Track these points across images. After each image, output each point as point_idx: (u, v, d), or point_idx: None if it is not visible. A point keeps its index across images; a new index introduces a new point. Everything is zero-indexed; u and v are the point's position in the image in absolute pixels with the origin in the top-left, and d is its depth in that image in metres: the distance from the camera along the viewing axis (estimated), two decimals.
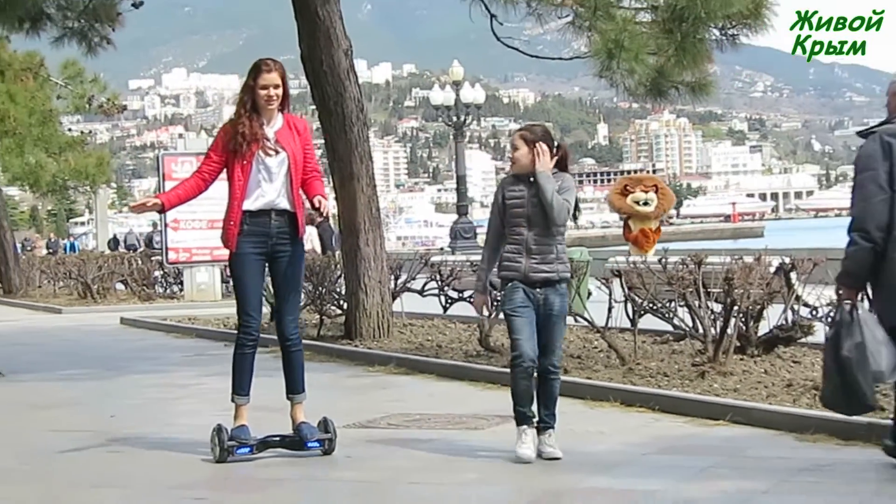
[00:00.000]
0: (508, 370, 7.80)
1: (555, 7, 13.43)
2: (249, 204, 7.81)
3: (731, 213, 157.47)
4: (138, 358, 15.82)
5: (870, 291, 7.07)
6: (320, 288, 16.29)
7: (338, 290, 16.42)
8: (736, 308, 10.85)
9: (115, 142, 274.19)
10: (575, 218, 7.83)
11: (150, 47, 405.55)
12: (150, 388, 12.75)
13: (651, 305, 12.55)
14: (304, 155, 7.99)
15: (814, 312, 10.80)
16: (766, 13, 13.06)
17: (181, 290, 28.41)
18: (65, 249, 61.10)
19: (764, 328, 11.38)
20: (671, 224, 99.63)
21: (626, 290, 12.30)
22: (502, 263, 7.78)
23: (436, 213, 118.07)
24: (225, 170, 7.91)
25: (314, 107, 15.38)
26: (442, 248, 43.60)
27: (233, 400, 7.99)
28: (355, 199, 14.68)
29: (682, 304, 12.14)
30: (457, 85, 40.79)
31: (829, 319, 10.33)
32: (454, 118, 40.36)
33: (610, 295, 12.04)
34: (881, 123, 7.03)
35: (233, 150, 7.82)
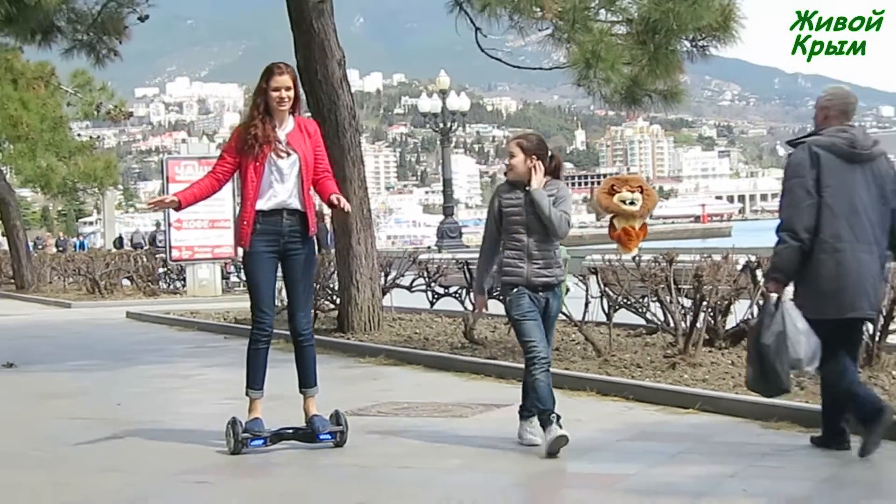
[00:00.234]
0: (525, 371, 7.53)
1: (535, 20, 13.41)
2: (262, 204, 7.68)
3: (700, 215, 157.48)
4: (143, 350, 15.80)
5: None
6: (315, 284, 16.27)
7: (331, 286, 16.42)
8: (705, 303, 10.87)
9: (122, 146, 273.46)
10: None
11: (155, 58, 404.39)
12: (155, 378, 12.73)
13: (625, 301, 12.57)
14: (314, 156, 7.87)
15: None
16: (734, 26, 13.06)
17: (184, 285, 28.36)
18: (74, 247, 60.94)
19: (731, 322, 11.39)
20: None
21: (602, 286, 12.30)
22: (504, 269, 7.61)
23: (423, 214, 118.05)
24: (238, 171, 7.79)
25: (309, 114, 15.35)
26: (429, 247, 43.58)
27: (247, 394, 7.86)
28: (348, 200, 14.63)
29: (654, 299, 12.16)
30: (443, 93, 40.79)
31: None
32: (441, 125, 40.38)
33: (587, 291, 12.03)
34: (809, 135, 7.25)
35: (246, 151, 7.69)
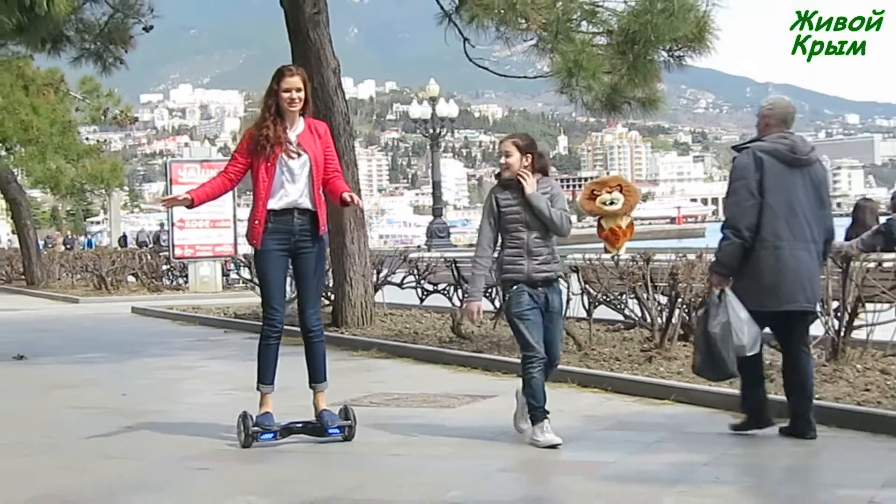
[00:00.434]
0: (521, 367, 7.40)
1: (521, 31, 13.42)
2: (274, 203, 7.49)
3: (676, 216, 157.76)
4: (147, 343, 15.78)
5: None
6: None
7: (325, 282, 16.41)
8: (680, 300, 10.88)
9: (128, 150, 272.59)
10: None
11: (160, 66, 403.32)
12: (159, 369, 12.72)
13: (605, 298, 12.59)
14: (325, 156, 7.66)
15: None
16: (708, 37, 13.08)
17: (186, 282, 28.35)
18: (83, 246, 60.86)
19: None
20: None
21: (583, 283, 12.32)
22: (504, 266, 7.42)
23: (414, 215, 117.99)
24: (250, 171, 7.62)
25: None
26: (419, 246, 43.56)
27: (258, 388, 7.66)
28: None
29: (632, 296, 12.19)
30: (433, 100, 40.81)
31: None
32: (430, 130, 40.41)
33: (568, 288, 12.03)
34: (752, 140, 7.47)
35: (257, 152, 7.50)
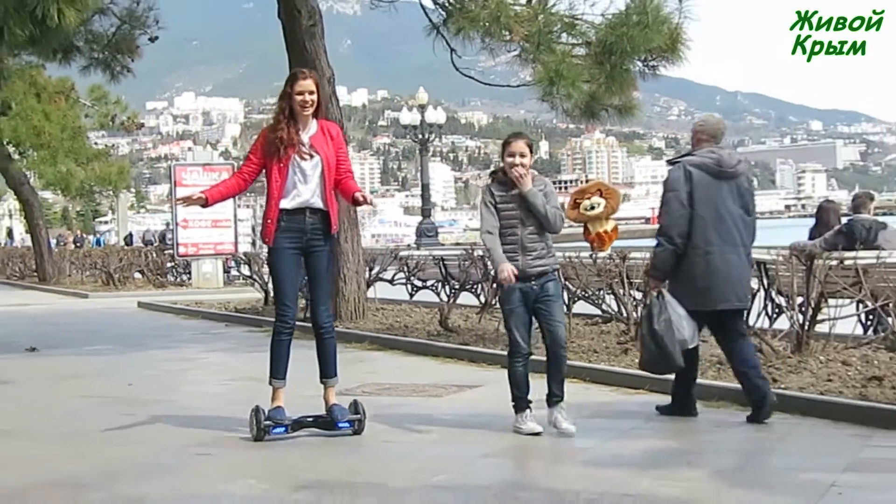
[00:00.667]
0: (507, 359, 7.43)
1: (504, 43, 13.41)
2: (286, 203, 7.27)
3: (650, 217, 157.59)
4: (153, 336, 15.75)
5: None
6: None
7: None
8: None
9: (134, 154, 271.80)
10: None
11: (164, 75, 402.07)
12: (163, 361, 12.70)
13: (583, 293, 12.61)
14: (337, 158, 7.44)
15: None
16: (681, 48, 13.09)
17: (189, 278, 28.29)
18: (92, 244, 60.73)
19: None
20: None
21: (563, 280, 12.32)
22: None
23: (404, 216, 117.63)
24: (264, 171, 7.43)
25: None
26: (409, 245, 43.49)
27: (270, 383, 7.39)
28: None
29: (609, 292, 12.20)
30: (422, 108, 40.74)
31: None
32: (420, 136, 40.33)
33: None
34: (684, 155, 7.75)
35: (271, 153, 7.29)
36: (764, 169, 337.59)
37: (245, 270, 22.63)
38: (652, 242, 7.98)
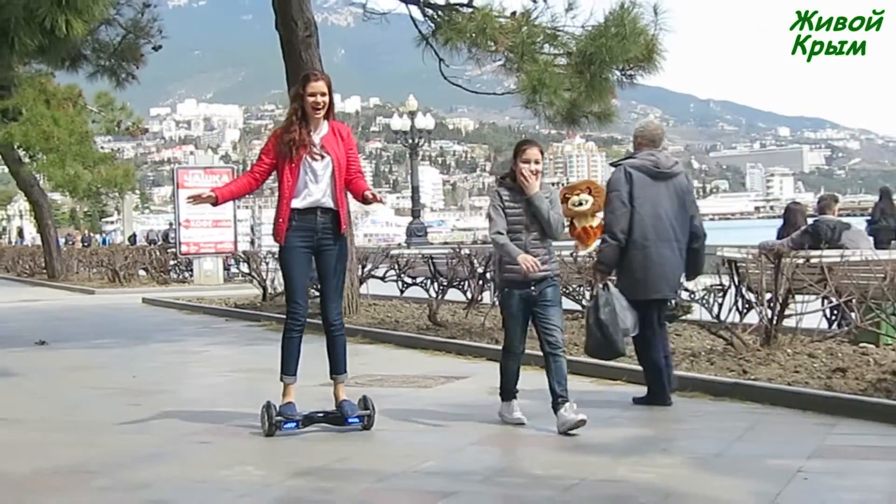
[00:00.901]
0: (501, 354, 7.39)
1: (490, 53, 13.42)
2: (298, 202, 7.06)
3: None
4: (156, 330, 15.72)
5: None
6: None
7: (314, 275, 16.37)
8: None
9: (139, 157, 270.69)
10: None
11: (167, 83, 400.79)
12: (166, 354, 12.68)
13: (564, 289, 12.59)
14: (347, 158, 7.22)
15: (692, 296, 10.85)
16: (656, 58, 13.12)
17: (191, 275, 28.29)
18: (99, 243, 60.57)
19: None
20: None
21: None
22: (504, 267, 7.11)
23: (395, 216, 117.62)
24: (275, 171, 7.18)
25: None
26: (399, 244, 43.51)
27: (281, 379, 7.20)
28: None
29: (588, 288, 12.19)
30: (412, 114, 40.75)
31: (704, 301, 10.49)
32: (410, 141, 40.35)
33: None
34: (625, 158, 8.02)
35: (283, 154, 7.06)
36: (735, 172, 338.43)
37: (244, 268, 22.60)
38: None
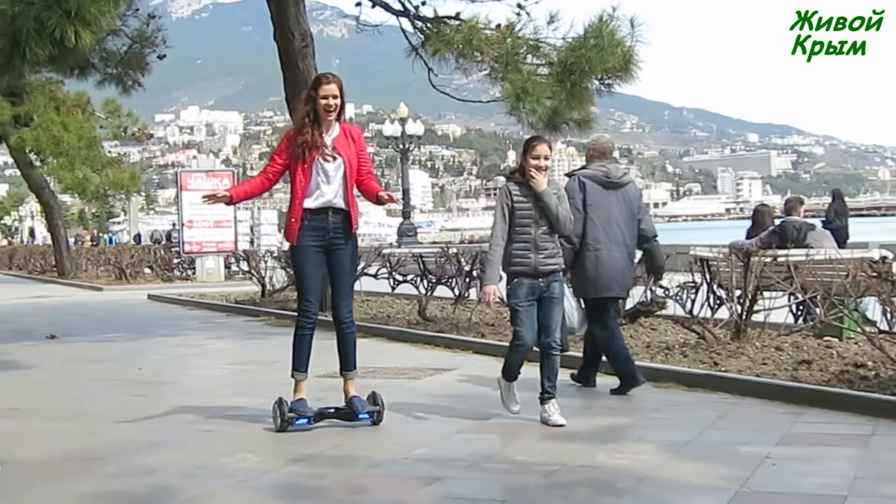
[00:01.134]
0: (508, 347, 7.16)
1: (476, 63, 13.43)
2: (310, 203, 6.87)
3: None
4: (161, 325, 15.68)
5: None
6: None
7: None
8: None
9: (144, 161, 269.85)
10: None
11: (172, 90, 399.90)
12: (170, 347, 12.65)
13: None
14: (358, 159, 7.03)
15: (666, 292, 10.87)
16: (633, 68, 13.13)
17: (194, 273, 28.23)
18: (107, 242, 60.42)
19: (630, 304, 11.43)
20: None
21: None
22: (512, 260, 6.85)
23: (386, 217, 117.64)
24: (287, 171, 6.98)
25: None
26: (391, 244, 43.48)
27: (293, 376, 7.01)
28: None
29: (570, 286, 12.16)
30: (402, 121, 40.70)
31: (677, 297, 10.52)
32: (400, 146, 40.31)
33: None
34: (579, 169, 8.26)
35: (296, 155, 6.86)
36: (707, 176, 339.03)
37: (244, 266, 22.56)
38: None
